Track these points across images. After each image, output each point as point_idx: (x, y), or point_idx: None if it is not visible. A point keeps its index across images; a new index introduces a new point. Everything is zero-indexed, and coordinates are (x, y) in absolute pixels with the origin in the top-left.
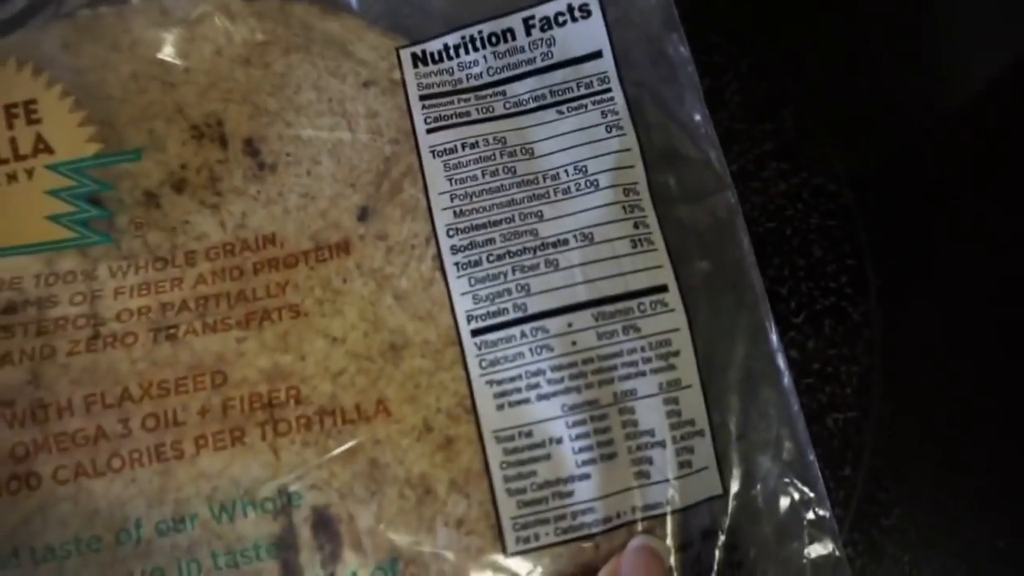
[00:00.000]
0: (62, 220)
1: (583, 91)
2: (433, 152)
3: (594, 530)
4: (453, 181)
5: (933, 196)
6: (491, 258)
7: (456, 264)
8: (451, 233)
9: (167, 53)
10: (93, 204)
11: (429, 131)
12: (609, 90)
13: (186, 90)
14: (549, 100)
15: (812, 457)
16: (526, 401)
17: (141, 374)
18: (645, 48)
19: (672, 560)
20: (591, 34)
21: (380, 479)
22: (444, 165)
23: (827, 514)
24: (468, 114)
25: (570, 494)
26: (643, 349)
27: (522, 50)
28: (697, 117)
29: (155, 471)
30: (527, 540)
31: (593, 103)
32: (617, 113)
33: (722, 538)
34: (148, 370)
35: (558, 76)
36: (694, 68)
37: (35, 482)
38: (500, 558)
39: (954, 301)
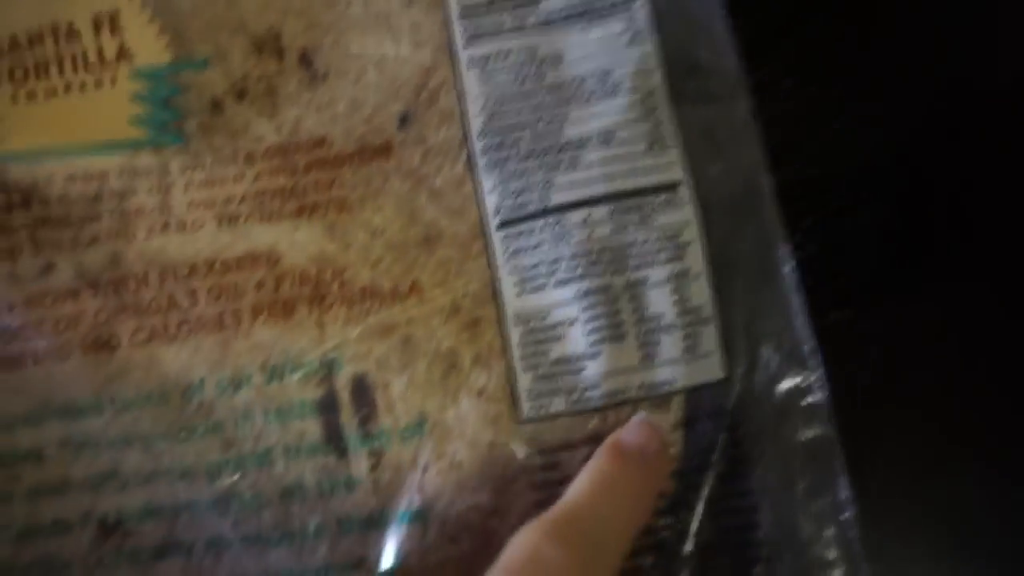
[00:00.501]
0: (141, 122)
1: (609, 2)
2: (470, 61)
3: (601, 403)
4: (487, 87)
5: (949, 104)
6: (519, 157)
7: (486, 162)
8: (482, 135)
9: None
10: (167, 108)
11: (466, 44)
12: (634, 0)
13: (248, 4)
14: (577, 10)
15: (811, 347)
16: (544, 287)
17: (206, 255)
18: None
19: (678, 435)
20: None
21: (412, 353)
22: (479, 72)
23: (823, 400)
24: (503, 25)
25: (581, 370)
26: (655, 240)
27: None
28: (719, 28)
29: (217, 340)
30: (539, 409)
31: (619, 14)
32: (640, 23)
33: (725, 419)
34: (212, 252)
35: None
36: None
37: (116, 342)
38: (515, 424)
39: (969, 208)
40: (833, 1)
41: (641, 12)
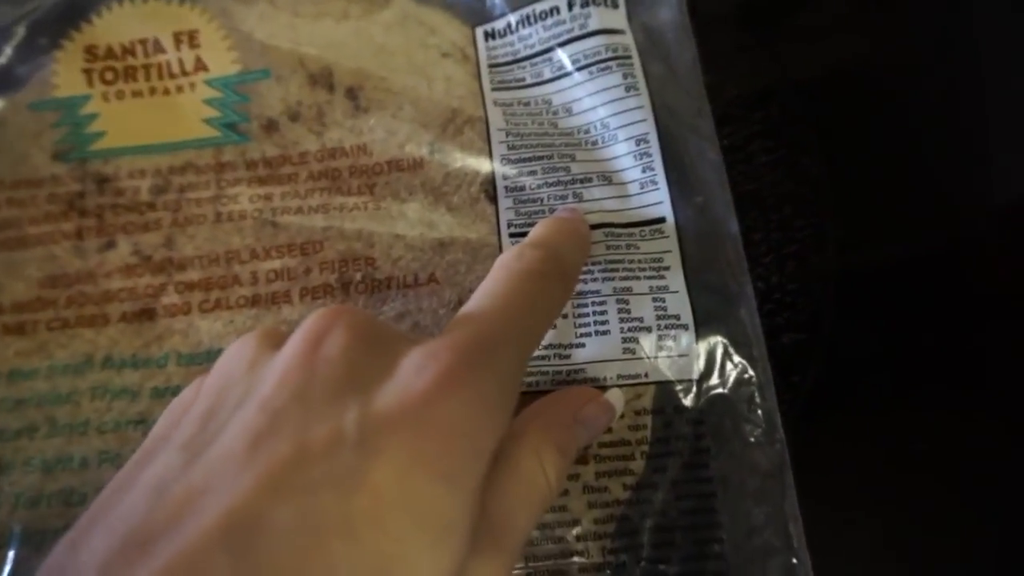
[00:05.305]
0: (213, 122)
1: (609, 55)
2: (495, 103)
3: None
4: (508, 123)
5: (890, 173)
6: (532, 187)
7: (505, 187)
8: (504, 162)
9: (299, 23)
10: (234, 112)
11: (493, 90)
12: (630, 57)
13: (309, 48)
14: (583, 63)
15: (766, 364)
16: None
17: (249, 243)
18: (659, 49)
19: (647, 420)
20: (617, 20)
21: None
22: (503, 111)
23: (774, 409)
24: (523, 80)
25: (567, 356)
26: (641, 261)
27: (564, 22)
28: (697, 104)
29: (249, 315)
30: (528, 386)
31: (617, 65)
32: (635, 76)
33: (691, 414)
34: (254, 241)
35: (591, 43)
36: (699, 66)
37: (159, 312)
38: None
39: (896, 257)
40: (798, 81)
41: (636, 67)
